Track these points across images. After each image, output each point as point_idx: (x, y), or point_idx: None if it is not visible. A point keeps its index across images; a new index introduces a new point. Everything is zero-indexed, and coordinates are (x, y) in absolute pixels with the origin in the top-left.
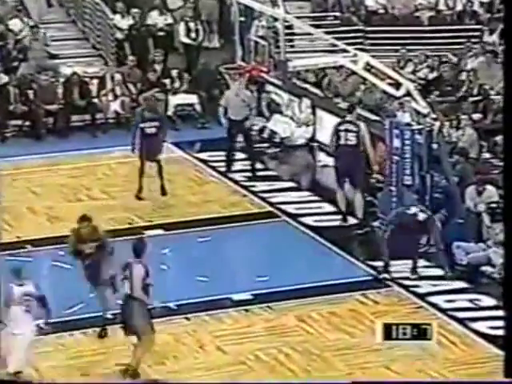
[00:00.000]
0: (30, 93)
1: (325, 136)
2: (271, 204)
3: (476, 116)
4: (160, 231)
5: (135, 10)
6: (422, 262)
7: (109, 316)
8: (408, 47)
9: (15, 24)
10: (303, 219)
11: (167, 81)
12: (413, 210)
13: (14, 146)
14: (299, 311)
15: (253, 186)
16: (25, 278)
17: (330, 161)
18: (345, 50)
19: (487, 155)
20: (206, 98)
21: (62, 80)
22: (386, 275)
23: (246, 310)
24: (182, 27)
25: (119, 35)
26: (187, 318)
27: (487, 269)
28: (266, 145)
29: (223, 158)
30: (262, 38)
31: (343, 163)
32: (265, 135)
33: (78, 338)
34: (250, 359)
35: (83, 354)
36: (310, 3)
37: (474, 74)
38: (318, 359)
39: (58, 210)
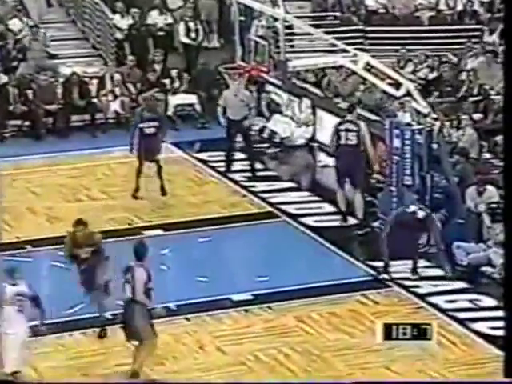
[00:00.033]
0: (30, 93)
1: (325, 136)
2: (271, 204)
3: (476, 116)
4: (160, 231)
5: (135, 10)
6: (422, 263)
7: (108, 316)
8: (408, 47)
9: (15, 24)
10: (303, 219)
11: (167, 81)
12: (412, 208)
13: (14, 146)
14: (299, 311)
15: (253, 186)
16: (18, 278)
17: (330, 161)
18: (345, 50)
19: (487, 155)
20: (205, 98)
21: (61, 80)
22: (385, 275)
23: (246, 311)
24: (181, 27)
25: (119, 35)
26: (187, 319)
27: (487, 269)
28: (265, 145)
29: (223, 158)
30: (261, 37)
31: (344, 163)
32: (265, 135)
33: (78, 339)
34: (249, 360)
35: (83, 355)
36: (310, 3)
37: (475, 73)
38: (317, 360)
39: (57, 211)
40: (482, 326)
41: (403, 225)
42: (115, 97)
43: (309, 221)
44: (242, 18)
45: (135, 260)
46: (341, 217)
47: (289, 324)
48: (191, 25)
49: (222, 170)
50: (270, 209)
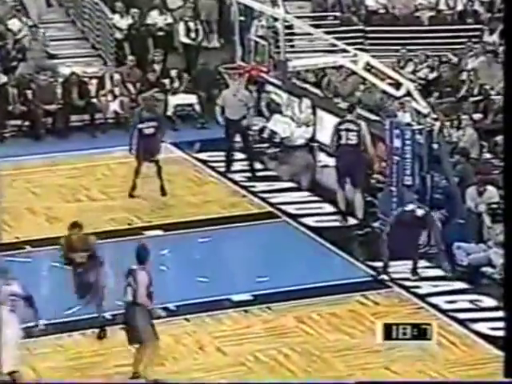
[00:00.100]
0: (29, 93)
1: (325, 136)
2: (271, 204)
3: (476, 116)
4: (159, 232)
5: (134, 10)
6: (422, 263)
7: (108, 317)
8: (408, 47)
9: (14, 24)
10: (303, 220)
11: (167, 81)
12: (410, 206)
13: (13, 146)
14: (299, 312)
15: (252, 187)
16: (11, 278)
17: (330, 161)
18: (345, 50)
19: (488, 155)
20: (205, 98)
21: (60, 80)
22: (384, 276)
23: (246, 311)
24: (181, 27)
25: (118, 35)
26: (187, 319)
27: (488, 269)
28: (265, 145)
29: (223, 159)
30: (261, 37)
31: (344, 163)
32: (265, 135)
33: (77, 339)
34: (249, 360)
35: (82, 355)
36: (310, 3)
37: (475, 73)
38: (317, 360)
39: (57, 211)
40: (482, 327)
41: (403, 223)
42: (115, 97)
43: (309, 221)
44: (242, 18)
45: (137, 263)
46: (341, 217)
47: (289, 324)
48: (191, 25)
49: (222, 170)
50: (270, 209)
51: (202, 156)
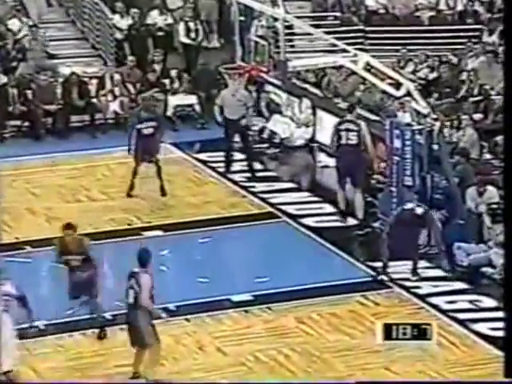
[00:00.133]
0: (29, 93)
1: (325, 136)
2: (271, 205)
3: (477, 116)
4: (159, 232)
5: (134, 10)
6: (422, 263)
7: (108, 317)
8: (408, 47)
9: (14, 24)
10: (303, 220)
11: (166, 81)
12: (410, 205)
13: (13, 146)
14: (299, 312)
15: (252, 187)
16: (4, 278)
17: (330, 161)
18: (345, 50)
19: (488, 156)
20: (205, 99)
21: (60, 80)
22: (383, 276)
23: (246, 311)
24: (181, 27)
25: (118, 35)
26: (187, 319)
27: (488, 270)
28: (265, 145)
29: (222, 159)
30: (261, 37)
31: (344, 163)
32: (264, 136)
33: (78, 339)
34: (249, 360)
35: (82, 356)
36: (310, 3)
37: (475, 74)
38: (317, 360)
39: (56, 211)
40: (482, 327)
41: (402, 222)
42: (115, 97)
43: (309, 221)
44: (242, 18)
45: (139, 266)
46: (341, 217)
47: (289, 325)
48: (191, 25)
49: (222, 170)
50: (270, 209)
51: (202, 156)
